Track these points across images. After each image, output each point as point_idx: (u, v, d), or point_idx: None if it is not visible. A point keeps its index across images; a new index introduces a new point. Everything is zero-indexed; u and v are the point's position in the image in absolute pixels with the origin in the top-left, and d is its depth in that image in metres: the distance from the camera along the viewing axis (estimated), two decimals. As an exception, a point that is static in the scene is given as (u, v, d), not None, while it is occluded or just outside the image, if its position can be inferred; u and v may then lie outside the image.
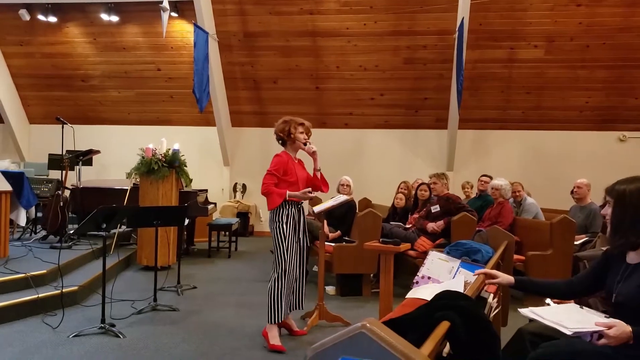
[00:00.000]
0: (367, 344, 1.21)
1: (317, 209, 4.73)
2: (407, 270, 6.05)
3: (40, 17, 10.16)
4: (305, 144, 4.27)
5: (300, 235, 4.26)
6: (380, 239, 4.46)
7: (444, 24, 9.27)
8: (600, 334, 1.99)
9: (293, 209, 4.16)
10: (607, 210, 2.35)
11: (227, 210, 10.44)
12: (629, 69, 9.32)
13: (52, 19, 10.25)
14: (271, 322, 4.04)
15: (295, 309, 4.32)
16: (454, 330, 1.71)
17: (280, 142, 4.34)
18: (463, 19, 8.32)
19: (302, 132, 4.27)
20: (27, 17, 10.17)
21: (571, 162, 9.93)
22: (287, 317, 4.28)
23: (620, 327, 1.96)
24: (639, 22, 8.88)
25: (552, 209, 7.59)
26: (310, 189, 4.15)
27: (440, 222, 6.01)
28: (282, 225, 4.10)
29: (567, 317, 2.12)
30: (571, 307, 2.36)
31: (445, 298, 1.94)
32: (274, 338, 4.02)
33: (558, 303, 2.68)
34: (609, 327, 1.97)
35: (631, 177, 2.33)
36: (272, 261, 4.17)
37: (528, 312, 2.23)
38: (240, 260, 8.02)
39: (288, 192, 4.05)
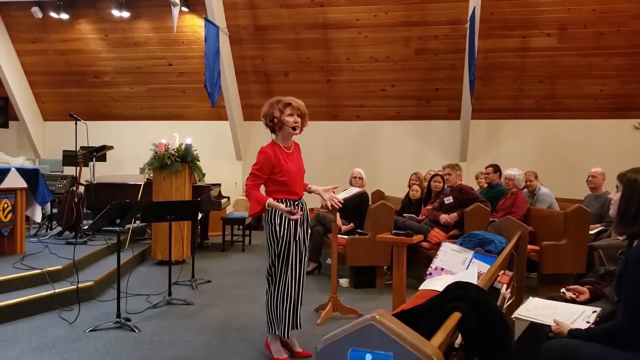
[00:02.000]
0: (377, 335, 1.21)
1: (329, 201, 4.70)
2: (420, 262, 6.04)
3: (53, 14, 10.26)
4: (294, 128, 3.53)
5: (300, 239, 3.61)
6: (393, 231, 4.44)
7: (455, 13, 9.19)
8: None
9: (290, 206, 3.47)
10: (615, 196, 2.34)
11: (241, 204, 10.47)
12: (644, 56, 9.17)
13: (64, 16, 10.33)
14: (272, 334, 3.65)
15: (292, 328, 3.66)
16: (465, 322, 1.70)
17: (270, 130, 3.66)
18: (474, 8, 8.23)
19: (290, 114, 3.52)
20: (40, 15, 10.30)
21: (586, 150, 9.80)
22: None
23: (560, 327, 2.24)
24: (654, 8, 8.73)
25: (566, 198, 7.51)
26: (292, 209, 3.40)
27: (454, 215, 5.98)
28: (275, 227, 3.49)
29: (553, 313, 2.40)
30: (557, 305, 2.53)
31: (457, 289, 1.93)
32: (278, 352, 3.62)
33: (573, 291, 2.68)
34: (557, 324, 2.26)
35: None
36: (266, 270, 3.66)
37: (519, 316, 2.42)
38: (254, 253, 8.05)
39: (268, 201, 3.42)
